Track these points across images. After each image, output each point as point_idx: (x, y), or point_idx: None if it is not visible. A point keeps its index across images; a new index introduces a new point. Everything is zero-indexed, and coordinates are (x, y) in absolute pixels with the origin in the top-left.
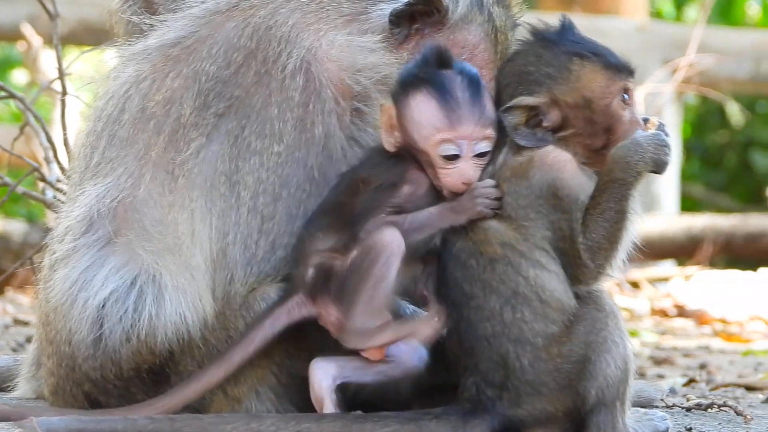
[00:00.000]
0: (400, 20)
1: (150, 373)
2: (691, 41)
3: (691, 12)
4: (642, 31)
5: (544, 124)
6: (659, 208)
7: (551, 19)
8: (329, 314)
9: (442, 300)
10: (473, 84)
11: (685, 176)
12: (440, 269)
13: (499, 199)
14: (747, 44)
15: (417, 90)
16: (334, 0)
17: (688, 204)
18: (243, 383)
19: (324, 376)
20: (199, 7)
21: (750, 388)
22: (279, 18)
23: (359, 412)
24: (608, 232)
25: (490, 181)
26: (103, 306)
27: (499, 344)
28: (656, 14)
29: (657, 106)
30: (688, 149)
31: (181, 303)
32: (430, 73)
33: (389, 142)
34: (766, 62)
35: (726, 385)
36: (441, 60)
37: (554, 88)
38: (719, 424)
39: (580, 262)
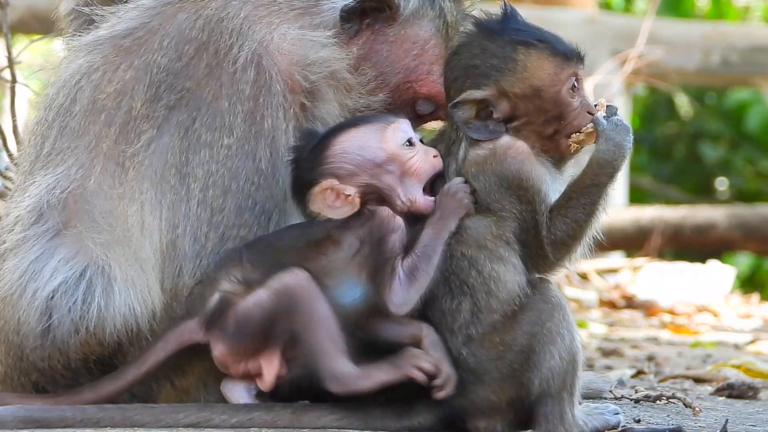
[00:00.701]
0: (351, 16)
1: (98, 364)
2: (640, 33)
3: (641, 3)
4: (591, 23)
5: (495, 115)
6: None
7: (497, 9)
8: (215, 347)
9: None
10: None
11: (634, 168)
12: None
13: (473, 192)
14: (696, 36)
15: (338, 136)
16: None
17: (637, 195)
18: (190, 375)
19: (240, 394)
20: None
21: (698, 380)
22: (231, 10)
23: (307, 401)
24: (574, 231)
25: (458, 179)
26: (52, 297)
27: (440, 332)
28: (605, 5)
29: (606, 98)
30: (637, 141)
31: (130, 295)
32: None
33: (345, 210)
34: (715, 54)
35: (674, 377)
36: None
37: (501, 79)
38: (668, 415)
39: (542, 254)
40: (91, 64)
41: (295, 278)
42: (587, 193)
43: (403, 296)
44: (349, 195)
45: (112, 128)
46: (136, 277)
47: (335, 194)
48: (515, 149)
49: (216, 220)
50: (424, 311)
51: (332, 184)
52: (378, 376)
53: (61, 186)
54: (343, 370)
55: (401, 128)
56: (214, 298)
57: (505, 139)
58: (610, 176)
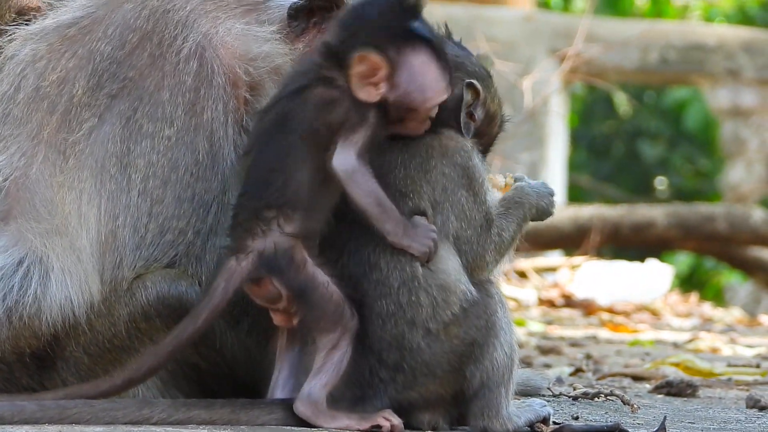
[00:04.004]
0: (299, 14)
1: (33, 357)
2: (578, 31)
3: (579, 2)
4: (528, 21)
5: (475, 118)
6: None
7: (438, 9)
8: (271, 288)
9: (341, 268)
10: (436, 32)
11: (572, 166)
12: (344, 228)
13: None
14: (634, 34)
15: (417, 51)
16: None
17: (575, 194)
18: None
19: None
20: None
21: (637, 378)
22: (177, 2)
23: (246, 399)
24: (512, 238)
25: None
26: None
27: (395, 324)
28: (543, 4)
29: (544, 96)
30: (575, 139)
31: (68, 285)
32: (422, 31)
33: (369, 95)
34: (653, 52)
35: (613, 375)
36: (412, 8)
37: (485, 88)
38: (606, 413)
39: (482, 252)
40: (35, 53)
41: (350, 318)
42: (518, 207)
43: (349, 163)
44: (381, 90)
45: (54, 116)
46: (73, 267)
47: (376, 75)
48: (476, 150)
49: (156, 211)
50: (376, 304)
51: (383, 67)
52: (343, 421)
53: (4, 173)
54: (318, 399)
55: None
56: (270, 243)
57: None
58: (535, 203)
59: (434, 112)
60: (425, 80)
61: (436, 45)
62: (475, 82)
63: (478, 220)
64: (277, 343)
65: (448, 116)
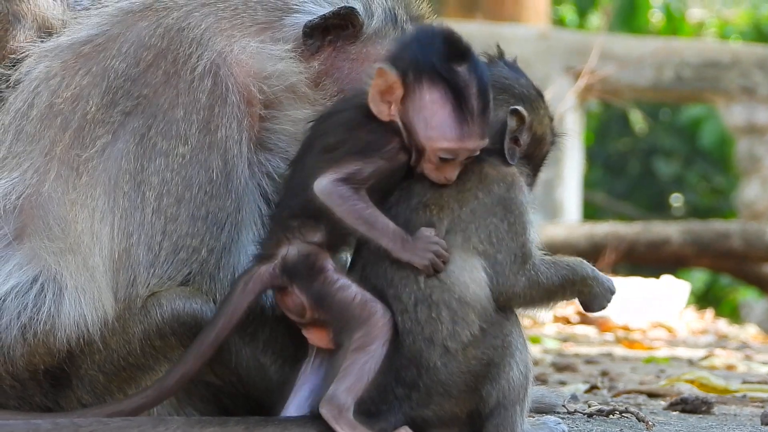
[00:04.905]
0: (314, 32)
1: (48, 375)
2: (593, 48)
3: (594, 19)
4: (543, 38)
5: (521, 143)
6: (562, 215)
7: (454, 27)
8: (295, 297)
9: (362, 280)
10: (484, 90)
11: (588, 184)
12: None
13: (445, 261)
14: (649, 52)
15: (433, 86)
16: (249, 7)
17: (591, 211)
18: (143, 386)
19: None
20: (113, 5)
21: (652, 395)
22: (192, 21)
23: (261, 417)
24: (548, 286)
25: (443, 242)
26: (3, 300)
27: (412, 341)
28: (559, 21)
29: (559, 114)
30: (591, 156)
31: (81, 303)
32: (450, 72)
33: (381, 111)
34: (668, 70)
35: (628, 392)
36: (458, 53)
37: (532, 112)
38: (621, 430)
39: (513, 281)
40: (49, 70)
41: (383, 315)
42: (569, 268)
43: (324, 186)
44: (392, 111)
45: (67, 133)
46: (86, 285)
47: (387, 93)
48: (521, 182)
49: (170, 229)
50: (398, 319)
51: (397, 89)
52: None
53: (17, 191)
54: (344, 405)
55: (458, 151)
56: (291, 252)
57: (515, 169)
58: (591, 283)
59: (447, 157)
60: (432, 118)
61: (464, 93)
62: (519, 108)
63: (512, 249)
64: (304, 363)
65: (493, 142)
